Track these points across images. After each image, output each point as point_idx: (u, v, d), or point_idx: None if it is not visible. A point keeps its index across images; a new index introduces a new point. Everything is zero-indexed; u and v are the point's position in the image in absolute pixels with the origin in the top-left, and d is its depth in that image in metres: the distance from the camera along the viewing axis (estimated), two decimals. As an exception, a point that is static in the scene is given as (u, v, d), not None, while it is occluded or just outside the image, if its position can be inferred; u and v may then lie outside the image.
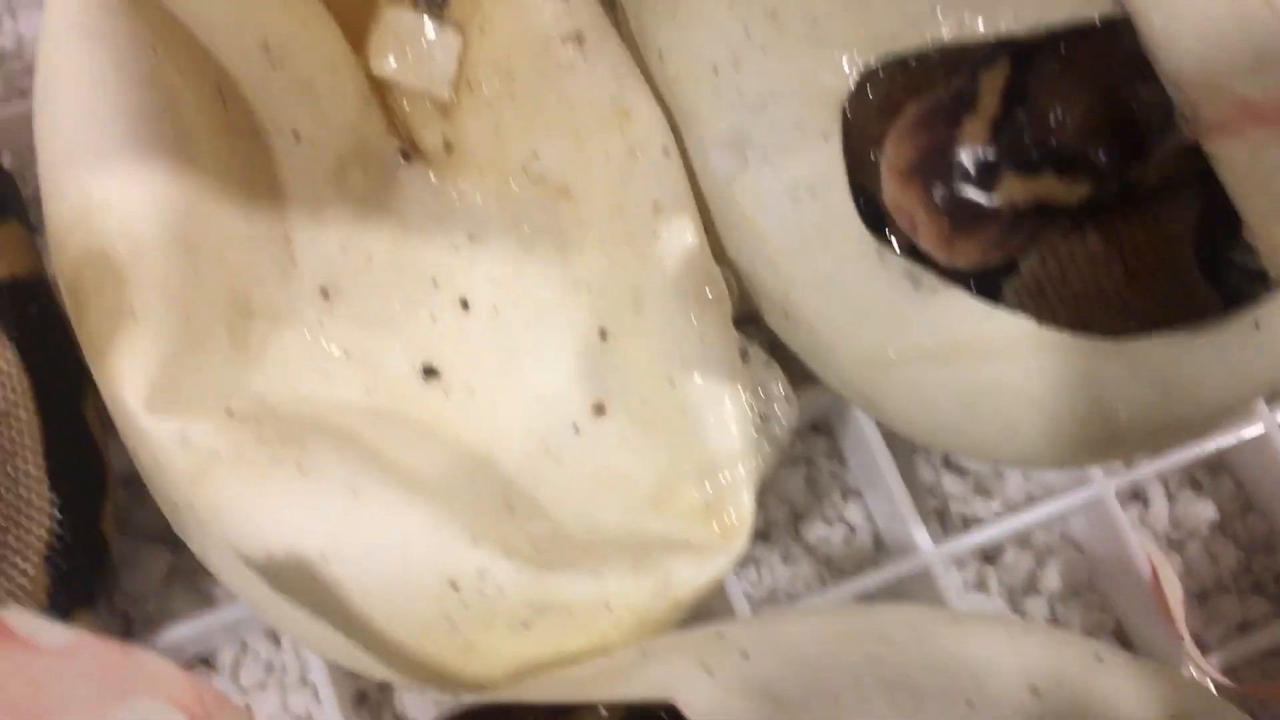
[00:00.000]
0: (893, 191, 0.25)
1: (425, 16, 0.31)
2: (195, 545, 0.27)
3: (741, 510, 0.29)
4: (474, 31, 0.31)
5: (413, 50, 0.31)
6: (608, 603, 0.27)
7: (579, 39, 0.30)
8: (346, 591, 0.25)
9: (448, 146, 0.32)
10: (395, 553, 0.25)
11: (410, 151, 0.32)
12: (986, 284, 0.27)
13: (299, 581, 0.25)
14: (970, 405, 0.28)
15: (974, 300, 0.27)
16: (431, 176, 0.32)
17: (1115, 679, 0.26)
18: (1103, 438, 0.28)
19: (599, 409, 0.31)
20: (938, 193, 0.24)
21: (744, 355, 0.30)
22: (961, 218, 0.24)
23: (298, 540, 0.25)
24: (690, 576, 0.28)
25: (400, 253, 0.31)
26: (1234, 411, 0.29)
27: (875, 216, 0.27)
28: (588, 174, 0.31)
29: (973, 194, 0.24)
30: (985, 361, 0.27)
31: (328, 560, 0.25)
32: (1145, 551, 0.36)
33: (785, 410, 0.30)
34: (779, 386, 0.30)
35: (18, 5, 0.39)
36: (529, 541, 0.27)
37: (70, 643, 0.20)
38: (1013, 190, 0.24)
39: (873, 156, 0.27)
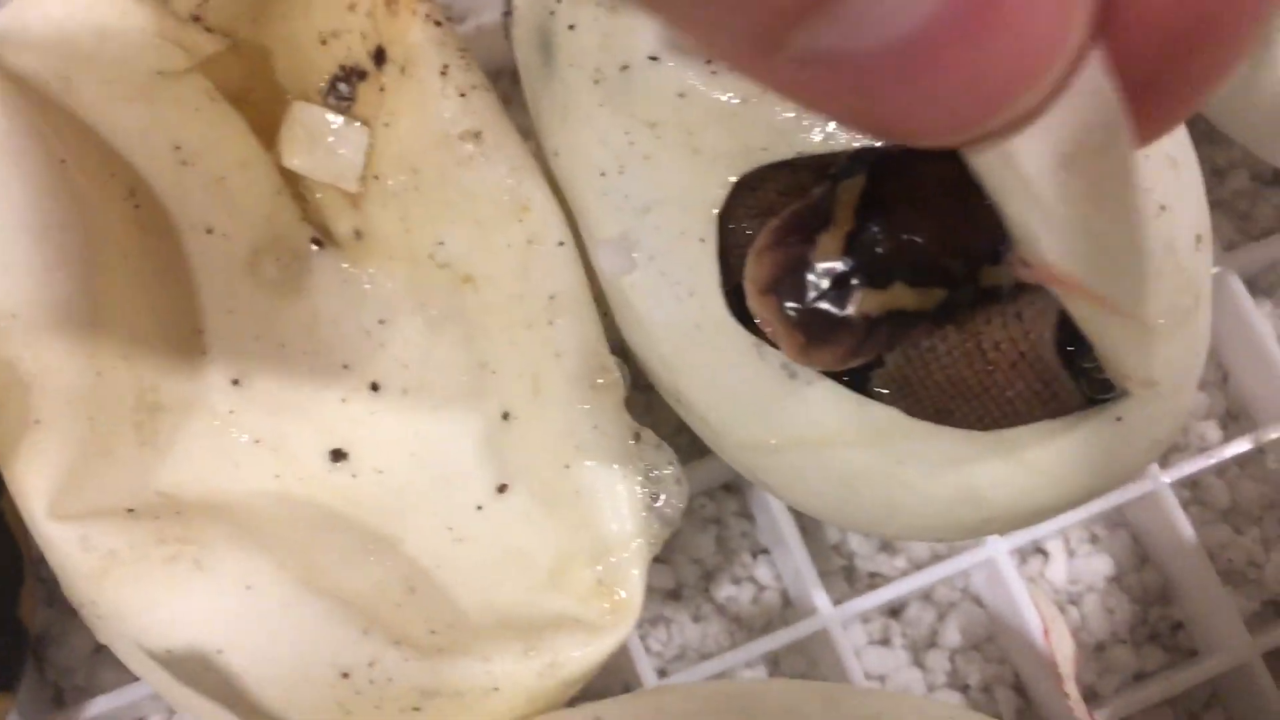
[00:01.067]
0: (753, 304, 0.26)
1: (332, 112, 0.32)
2: (101, 637, 0.28)
3: (631, 588, 0.30)
4: (379, 127, 0.32)
5: (321, 145, 0.32)
6: (496, 685, 0.28)
7: (477, 136, 0.31)
8: (245, 681, 0.27)
9: (358, 234, 0.33)
10: (289, 645, 0.27)
11: (323, 239, 0.33)
12: (857, 376, 0.29)
13: (199, 672, 0.27)
14: (850, 488, 0.30)
15: (846, 391, 0.28)
16: (343, 263, 0.33)
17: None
18: (977, 519, 0.30)
19: (502, 489, 0.32)
20: (791, 308, 0.25)
21: (637, 437, 0.31)
22: (815, 331, 0.25)
23: (196, 634, 0.26)
24: (579, 655, 0.29)
25: (313, 339, 0.33)
26: (1103, 494, 0.30)
27: (751, 315, 0.28)
28: (490, 262, 0.32)
29: (825, 308, 0.25)
30: (860, 448, 0.29)
31: (224, 652, 0.27)
32: (1038, 608, 0.37)
33: (676, 490, 0.31)
34: (670, 468, 0.31)
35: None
36: (425, 625, 0.29)
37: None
38: (866, 303, 0.26)
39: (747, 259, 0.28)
